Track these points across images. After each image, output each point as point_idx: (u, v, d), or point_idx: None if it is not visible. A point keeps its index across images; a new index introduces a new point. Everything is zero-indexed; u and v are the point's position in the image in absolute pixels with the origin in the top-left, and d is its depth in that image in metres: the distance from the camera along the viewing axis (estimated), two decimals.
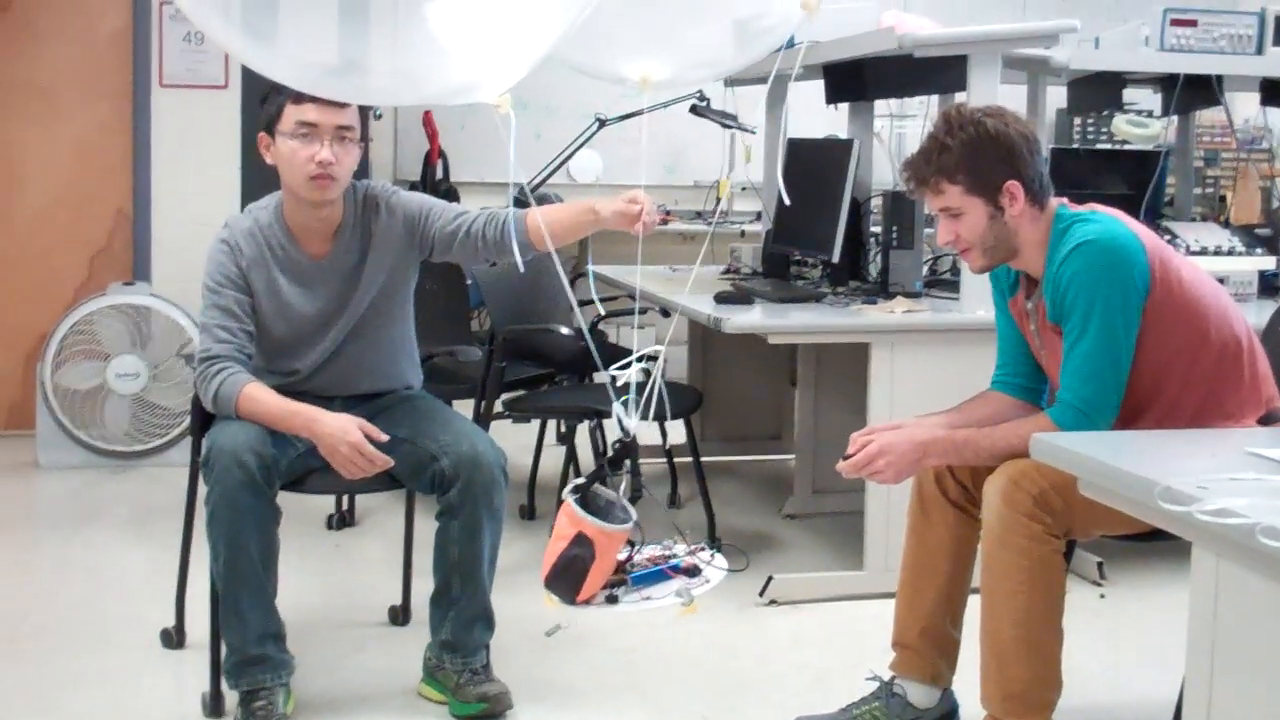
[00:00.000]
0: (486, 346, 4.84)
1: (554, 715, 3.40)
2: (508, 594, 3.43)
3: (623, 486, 2.88)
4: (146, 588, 4.09)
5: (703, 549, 2.88)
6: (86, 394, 5.74)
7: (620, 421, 2.80)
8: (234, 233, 3.39)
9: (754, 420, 5.92)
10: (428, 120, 7.42)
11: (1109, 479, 2.19)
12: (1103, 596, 4.25)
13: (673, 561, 2.83)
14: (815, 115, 5.77)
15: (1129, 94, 5.69)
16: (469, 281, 4.96)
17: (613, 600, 2.74)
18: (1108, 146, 5.88)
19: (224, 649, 3.24)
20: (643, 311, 4.60)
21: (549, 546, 2.75)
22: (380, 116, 7.15)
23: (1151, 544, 2.97)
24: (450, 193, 7.55)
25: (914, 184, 3.04)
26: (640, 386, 2.76)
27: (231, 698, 3.27)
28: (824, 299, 4.57)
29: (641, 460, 5.35)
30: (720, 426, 5.83)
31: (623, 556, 2.80)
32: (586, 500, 2.77)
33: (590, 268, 4.00)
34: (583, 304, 5.88)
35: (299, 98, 3.20)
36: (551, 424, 5.61)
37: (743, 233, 6.84)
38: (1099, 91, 5.40)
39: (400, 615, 3.97)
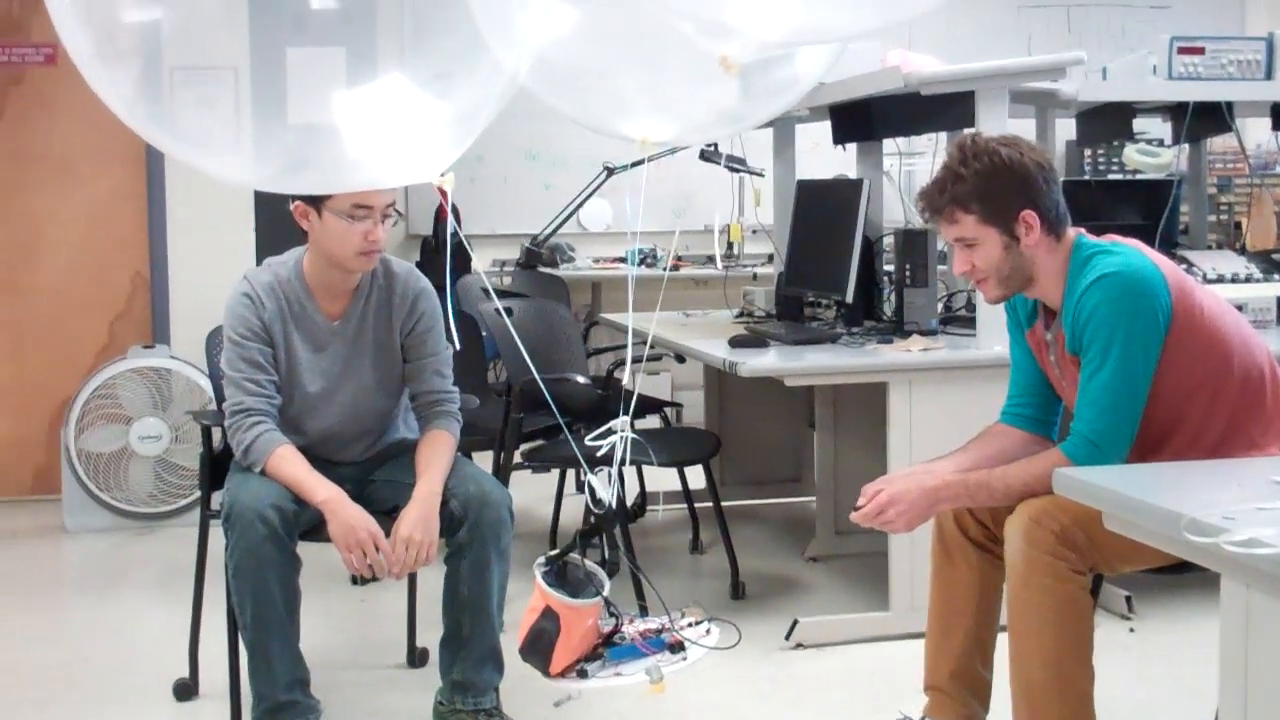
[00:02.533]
0: (505, 398, 4.82)
1: None
2: None
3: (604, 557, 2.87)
4: (174, 645, 4.08)
5: (695, 624, 2.82)
6: (110, 457, 5.76)
7: (594, 494, 2.80)
8: (254, 286, 3.42)
9: (773, 463, 5.90)
10: None
11: (1134, 512, 2.18)
12: (1132, 630, 4.21)
13: (660, 637, 2.78)
14: (823, 156, 5.78)
15: (1139, 123, 5.68)
16: (484, 334, 4.96)
17: (583, 674, 2.71)
18: (1119, 177, 5.89)
19: (252, 698, 3.27)
20: (657, 358, 4.61)
21: (524, 617, 2.73)
22: None
23: (1180, 576, 2.94)
24: (460, 247, 7.53)
25: (928, 213, 3.03)
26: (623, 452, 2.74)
27: None
28: (839, 339, 4.55)
29: (665, 507, 5.37)
30: (740, 471, 5.81)
31: (609, 629, 2.77)
32: (564, 571, 2.76)
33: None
34: (598, 352, 5.93)
35: None
36: (571, 473, 5.59)
37: (755, 275, 6.85)
38: (1108, 122, 5.38)
39: (416, 657, 4.03)
